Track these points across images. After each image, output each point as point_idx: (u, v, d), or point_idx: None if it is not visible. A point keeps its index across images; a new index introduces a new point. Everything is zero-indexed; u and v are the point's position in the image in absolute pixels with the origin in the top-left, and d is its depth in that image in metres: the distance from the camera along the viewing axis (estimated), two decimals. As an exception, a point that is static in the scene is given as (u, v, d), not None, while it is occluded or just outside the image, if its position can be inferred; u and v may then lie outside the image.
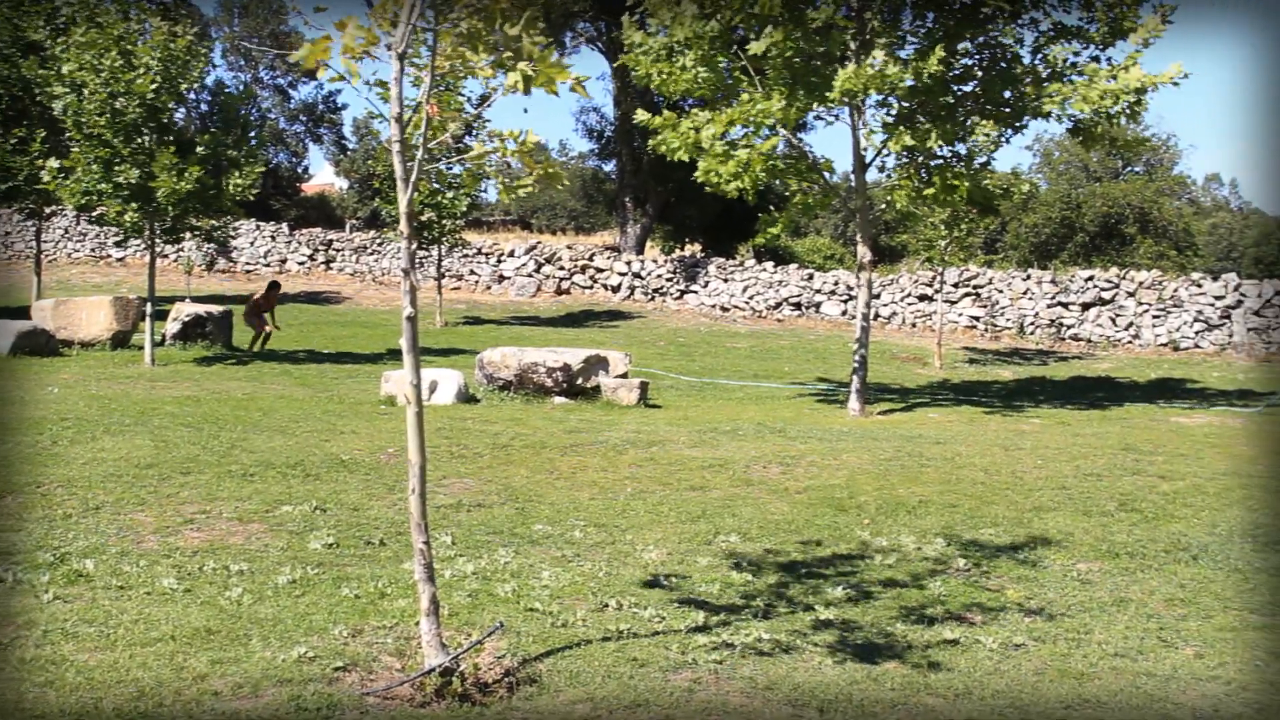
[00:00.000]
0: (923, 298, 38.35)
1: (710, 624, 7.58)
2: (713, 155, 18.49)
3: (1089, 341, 36.00)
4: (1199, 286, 35.89)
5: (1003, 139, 19.42)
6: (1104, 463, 14.01)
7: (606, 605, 7.90)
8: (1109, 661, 7.24)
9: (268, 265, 45.64)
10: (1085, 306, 36.75)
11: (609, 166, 56.72)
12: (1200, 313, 35.30)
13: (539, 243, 45.91)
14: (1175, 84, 17.79)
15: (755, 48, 17.29)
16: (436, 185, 32.21)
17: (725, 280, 40.83)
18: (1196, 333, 35.11)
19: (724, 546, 9.69)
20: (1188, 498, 12.20)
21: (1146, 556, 9.86)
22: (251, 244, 45.88)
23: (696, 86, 18.83)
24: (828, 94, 17.68)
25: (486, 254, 43.89)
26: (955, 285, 38.13)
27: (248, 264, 45.61)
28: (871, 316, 23.90)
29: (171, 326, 25.79)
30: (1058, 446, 15.18)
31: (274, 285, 27.53)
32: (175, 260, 43.33)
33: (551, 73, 6.15)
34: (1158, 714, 6.45)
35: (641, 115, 19.64)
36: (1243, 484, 13.05)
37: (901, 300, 38.70)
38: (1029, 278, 38.19)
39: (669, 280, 41.65)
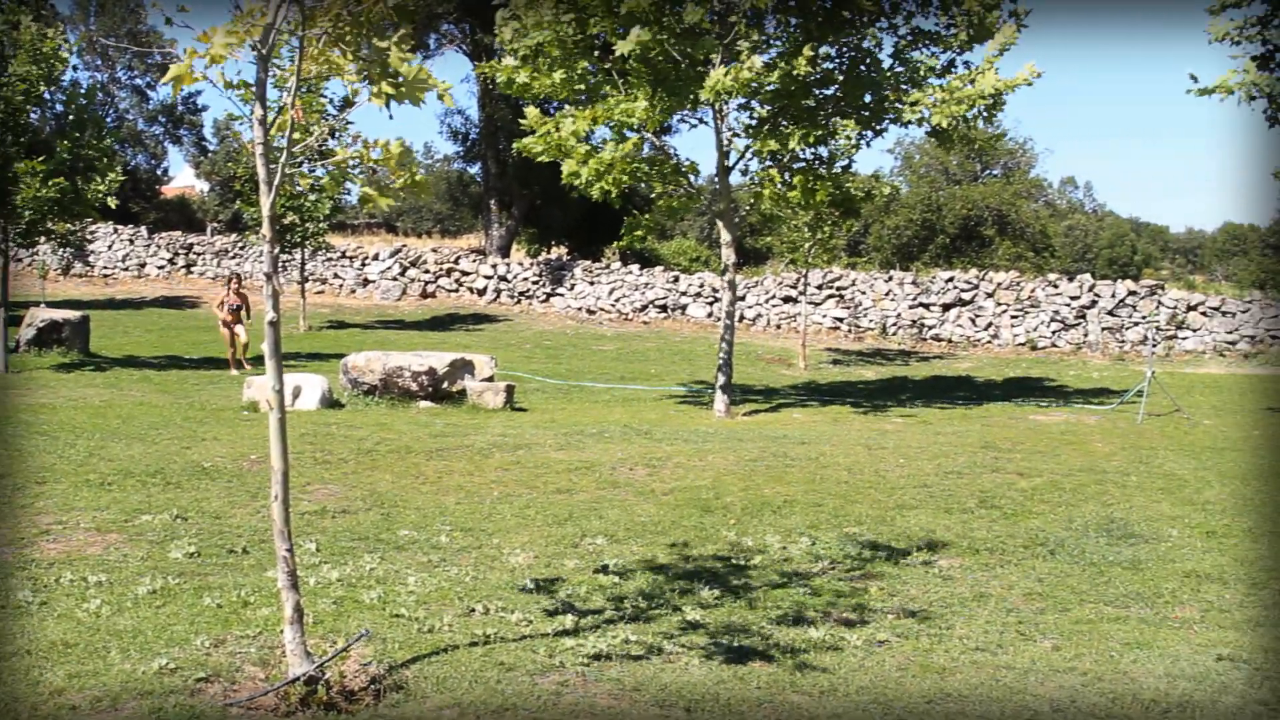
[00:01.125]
0: (787, 299, 38.71)
1: (578, 627, 7.58)
2: (576, 156, 18.51)
3: (950, 341, 36.63)
4: (1055, 287, 36.72)
5: (863, 142, 19.72)
6: (964, 461, 14.27)
7: (473, 610, 7.86)
8: (970, 656, 7.37)
9: (126, 270, 44.73)
10: (946, 307, 37.39)
11: (474, 169, 56.51)
12: (1057, 313, 36.11)
13: (404, 246, 45.60)
14: (1029, 84, 18.22)
15: (621, 48, 17.33)
16: (300, 189, 31.79)
17: (591, 283, 40.88)
18: (1053, 332, 35.90)
19: (591, 549, 9.69)
20: (1045, 494, 12.48)
21: (1006, 552, 10.06)
22: (109, 248, 44.93)
23: (559, 89, 18.85)
24: (698, 94, 17.80)
25: (351, 257, 43.48)
26: (819, 287, 38.56)
27: (105, 268, 44.65)
28: (736, 318, 24.00)
29: (26, 333, 25.14)
30: (919, 445, 15.43)
31: (235, 279, 26.06)
32: (29, 265, 42.28)
33: (417, 85, 6.11)
34: (1017, 705, 6.58)
35: (530, 113, 19.58)
36: (1097, 480, 13.38)
37: (766, 302, 39.03)
38: (891, 279, 38.75)
39: (535, 283, 41.59)
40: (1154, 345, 29.07)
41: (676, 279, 40.28)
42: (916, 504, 11.81)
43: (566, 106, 19.62)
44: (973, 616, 8.21)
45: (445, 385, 18.44)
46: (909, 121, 18.82)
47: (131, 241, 45.35)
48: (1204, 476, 13.88)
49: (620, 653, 7.13)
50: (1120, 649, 7.61)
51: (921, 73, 18.94)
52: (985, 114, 18.56)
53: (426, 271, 42.70)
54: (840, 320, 38.36)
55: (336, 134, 27.99)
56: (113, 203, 22.32)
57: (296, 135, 6.37)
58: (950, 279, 37.84)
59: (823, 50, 18.79)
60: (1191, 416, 20.19)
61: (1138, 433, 17.93)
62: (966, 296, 37.26)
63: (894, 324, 37.65)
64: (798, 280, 37.46)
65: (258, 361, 23.89)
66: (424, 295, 42.15)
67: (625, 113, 17.90)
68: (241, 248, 43.98)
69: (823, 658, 7.22)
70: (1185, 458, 15.30)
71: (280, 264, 37.06)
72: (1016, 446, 15.61)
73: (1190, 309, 35.74)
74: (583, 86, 19.03)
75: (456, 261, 43.16)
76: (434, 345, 28.06)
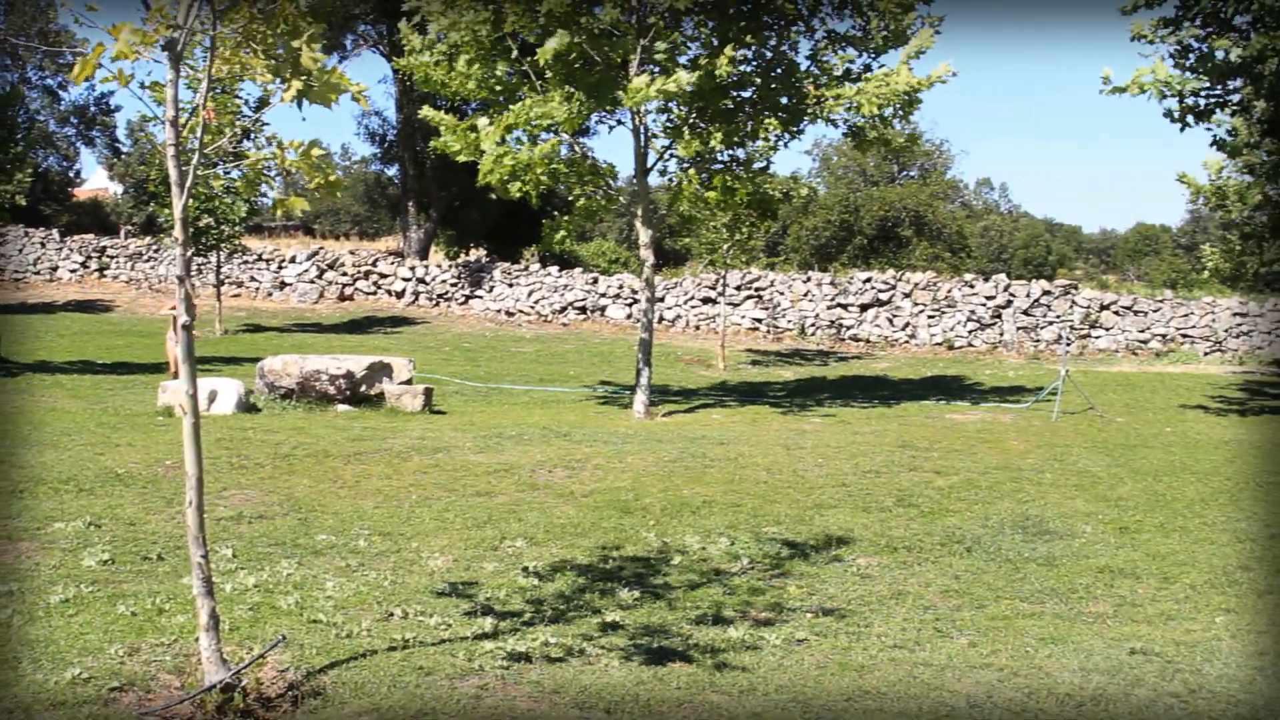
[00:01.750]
0: (706, 300, 38.83)
1: (498, 630, 7.55)
2: (492, 157, 18.44)
3: (868, 341, 36.90)
4: (971, 287, 37.10)
5: (781, 143, 19.83)
6: (882, 460, 14.38)
7: (392, 614, 7.81)
8: (888, 653, 7.42)
9: (37, 273, 44.03)
10: (864, 307, 37.67)
11: (392, 170, 56.20)
12: (973, 312, 36.49)
13: (322, 248, 45.26)
14: (944, 82, 18.42)
15: (542, 55, 17.30)
16: (214, 191, 31.44)
17: (510, 285, 40.77)
18: (970, 331, 36.28)
19: (511, 552, 9.66)
20: (961, 492, 12.60)
21: (923, 550, 10.14)
22: (20, 251, 44.22)
23: (477, 90, 18.79)
24: (617, 98, 17.81)
25: (267, 260, 43.08)
26: (738, 288, 38.71)
27: (16, 272, 43.91)
28: (656, 319, 24.06)
29: (-69, 338, 24.75)
30: (838, 445, 15.52)
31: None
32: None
33: (330, 87, 6.06)
34: (934, 702, 6.63)
35: (428, 112, 19.50)
36: (1013, 477, 13.53)
37: (685, 303, 39.13)
38: (809, 280, 38.98)
39: (454, 285, 41.42)
40: (1068, 344, 29.47)
41: (596, 280, 40.28)
42: (835, 503, 11.88)
43: (483, 114, 19.57)
44: (890, 614, 8.27)
45: (363, 388, 18.32)
46: (826, 120, 18.96)
47: (43, 245, 44.64)
48: (1117, 473, 14.08)
49: (540, 655, 7.11)
50: (1036, 644, 7.69)
51: (836, 74, 19.09)
52: (901, 112, 18.74)
53: (344, 274, 42.40)
54: (759, 321, 38.53)
55: (251, 135, 27.73)
56: (21, 201, 21.94)
57: (209, 137, 6.30)
58: (868, 279, 38.13)
59: (741, 52, 18.86)
60: (1105, 414, 20.46)
61: (1052, 431, 18.15)
62: (884, 297, 37.57)
63: (812, 324, 37.87)
64: (716, 281, 37.59)
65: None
66: (342, 298, 41.86)
67: (543, 116, 17.87)
68: (156, 251, 43.41)
69: (742, 657, 7.24)
70: (1099, 455, 15.51)
71: (195, 267, 36.67)
72: (934, 445, 15.75)
73: (1103, 308, 36.24)
74: (500, 87, 18.97)
75: (375, 264, 42.89)
76: (352, 348, 27.87)
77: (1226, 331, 35.36)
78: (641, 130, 19.74)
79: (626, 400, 20.98)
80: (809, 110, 18.99)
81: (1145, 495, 12.77)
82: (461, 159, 19.08)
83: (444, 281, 41.64)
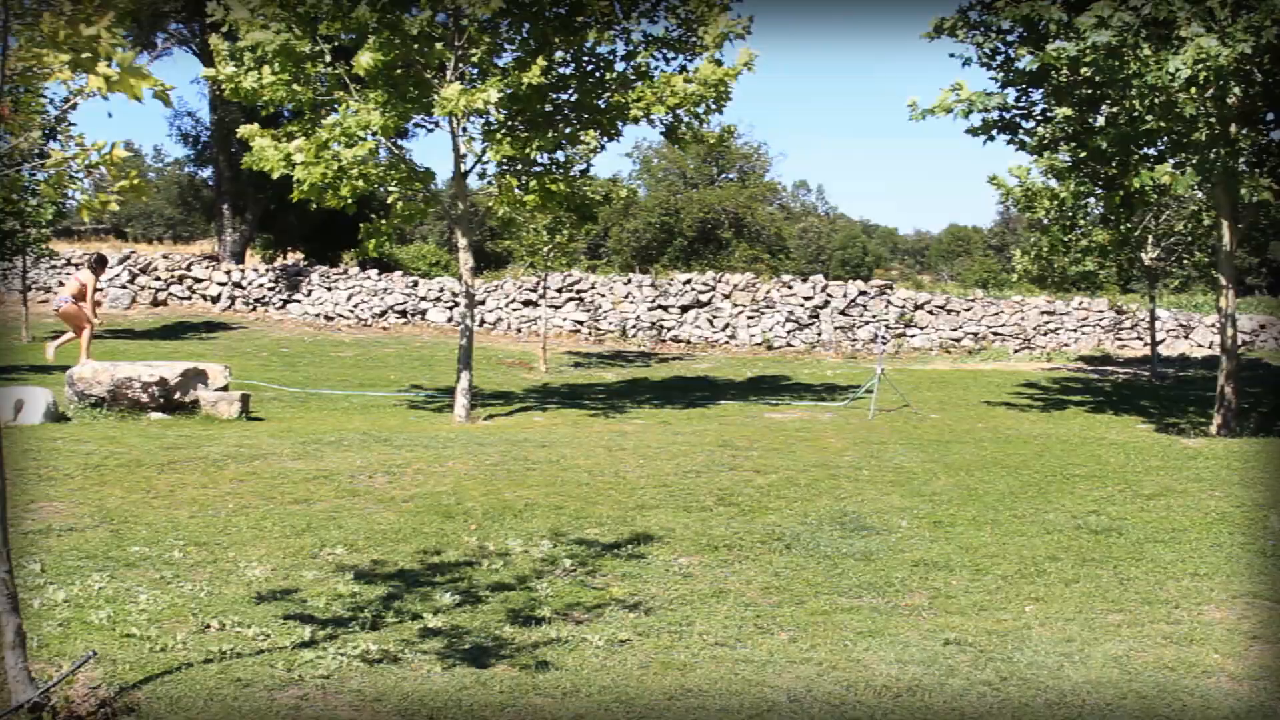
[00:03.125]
0: (527, 303, 38.79)
1: (317, 639, 7.43)
2: (306, 164, 18.14)
3: (688, 343, 37.22)
4: (789, 288, 37.67)
5: (600, 146, 19.89)
6: (703, 459, 14.49)
7: (208, 626, 7.64)
8: (710, 651, 7.48)
9: None
10: (684, 309, 37.99)
11: (206, 173, 55.02)
12: (791, 313, 37.04)
13: (133, 252, 44.04)
14: (749, 68, 18.74)
15: (359, 65, 17.08)
16: (14, 194, 30.37)
17: (329, 289, 40.23)
18: (788, 332, 36.82)
19: (330, 559, 9.52)
20: (781, 490, 12.77)
21: (744, 548, 10.25)
22: None
23: (290, 97, 18.50)
24: (430, 105, 17.69)
25: (77, 265, 41.86)
26: (559, 290, 38.75)
27: None
28: (477, 322, 23.95)
29: None
30: (659, 445, 15.60)
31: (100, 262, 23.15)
32: None
33: (133, 80, 5.90)
34: (755, 697, 6.70)
35: (244, 130, 19.10)
36: (831, 475, 13.74)
37: (507, 306, 39.03)
38: (630, 282, 39.18)
39: (271, 290, 40.73)
40: (884, 343, 30.05)
41: (416, 284, 39.97)
42: (656, 503, 11.94)
43: (295, 123, 19.28)
44: (712, 612, 8.34)
45: (178, 396, 17.90)
46: (638, 117, 19.08)
47: None
48: (931, 469, 14.39)
49: (361, 662, 7.03)
50: (854, 638, 7.82)
51: (647, 71, 19.24)
52: (713, 105, 18.96)
53: (157, 279, 41.37)
54: (580, 323, 38.60)
55: (57, 136, 26.86)
56: None
57: (12, 137, 6.10)
58: (688, 281, 38.46)
59: (557, 55, 18.87)
60: (919, 411, 20.93)
61: (869, 428, 18.50)
62: (704, 298, 37.93)
63: (633, 326, 38.07)
64: (538, 284, 37.57)
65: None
66: (155, 303, 40.85)
67: (359, 124, 17.63)
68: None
69: (564, 658, 7.24)
70: (914, 451, 15.83)
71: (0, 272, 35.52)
72: (753, 444, 15.92)
73: (918, 308, 37.09)
74: (311, 93, 18.69)
75: (189, 268, 41.94)
76: (166, 355, 27.18)
77: (1035, 329, 36.45)
78: (459, 134, 19.63)
79: (447, 404, 20.84)
80: (619, 110, 19.08)
81: (958, 490, 13.07)
82: (275, 175, 18.71)
83: (261, 286, 40.91)
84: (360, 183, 18.50)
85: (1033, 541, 10.78)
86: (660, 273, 41.69)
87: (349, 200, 18.72)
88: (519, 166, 19.80)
